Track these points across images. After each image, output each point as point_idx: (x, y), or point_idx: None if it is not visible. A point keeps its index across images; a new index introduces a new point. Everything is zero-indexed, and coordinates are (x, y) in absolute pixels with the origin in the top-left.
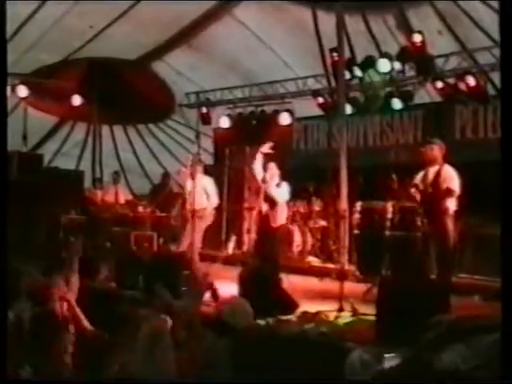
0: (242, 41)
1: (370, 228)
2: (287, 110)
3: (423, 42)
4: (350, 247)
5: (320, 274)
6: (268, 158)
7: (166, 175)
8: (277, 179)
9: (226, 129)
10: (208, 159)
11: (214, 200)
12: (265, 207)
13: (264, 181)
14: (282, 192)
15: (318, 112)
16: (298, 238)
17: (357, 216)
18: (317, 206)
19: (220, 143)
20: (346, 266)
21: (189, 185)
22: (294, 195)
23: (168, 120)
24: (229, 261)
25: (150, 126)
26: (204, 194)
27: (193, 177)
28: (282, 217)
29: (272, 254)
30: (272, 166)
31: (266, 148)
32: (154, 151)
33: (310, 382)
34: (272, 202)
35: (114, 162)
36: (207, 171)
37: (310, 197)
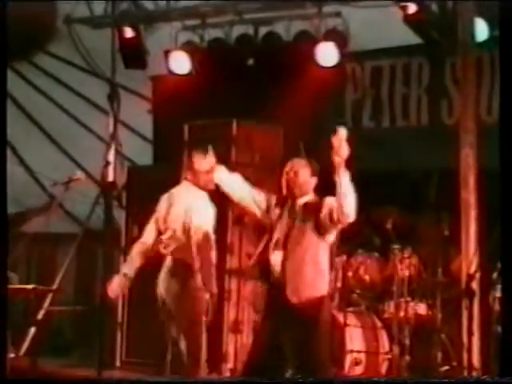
0: None
1: None
2: (331, 34)
3: None
4: (483, 360)
5: None
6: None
7: None
8: (310, 195)
9: (183, 78)
10: (140, 151)
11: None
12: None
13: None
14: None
15: (407, 37)
16: (356, 342)
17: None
18: (402, 266)
19: (168, 113)
20: None
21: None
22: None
23: (40, 55)
24: None
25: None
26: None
27: (105, 194)
28: (320, 280)
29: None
30: (298, 165)
31: None
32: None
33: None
34: (296, 241)
35: None
36: (137, 181)
37: (388, 244)
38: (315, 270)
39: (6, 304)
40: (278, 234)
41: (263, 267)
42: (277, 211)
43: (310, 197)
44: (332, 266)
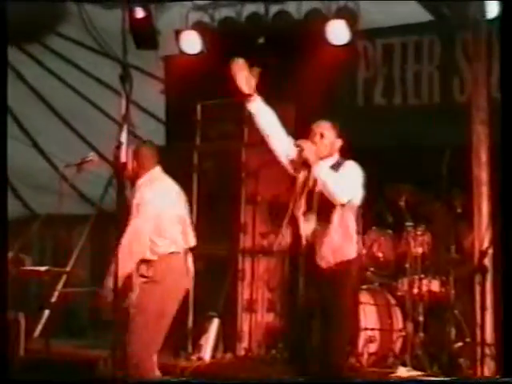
0: None
1: None
2: (342, 12)
3: None
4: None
5: None
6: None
7: None
8: (335, 156)
9: (195, 57)
10: (152, 132)
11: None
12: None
13: (301, 161)
14: (344, 183)
15: (418, 14)
16: (370, 320)
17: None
18: (415, 243)
19: (180, 93)
20: None
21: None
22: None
23: (51, 37)
24: (203, 373)
25: (12, 51)
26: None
27: (118, 175)
28: (348, 244)
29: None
30: (324, 127)
31: None
32: (20, 118)
33: (310, 382)
34: (323, 208)
35: None
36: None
37: (401, 222)
38: (344, 235)
39: (6, 304)
40: (304, 200)
41: (294, 235)
42: (303, 172)
43: (335, 158)
44: (359, 229)
